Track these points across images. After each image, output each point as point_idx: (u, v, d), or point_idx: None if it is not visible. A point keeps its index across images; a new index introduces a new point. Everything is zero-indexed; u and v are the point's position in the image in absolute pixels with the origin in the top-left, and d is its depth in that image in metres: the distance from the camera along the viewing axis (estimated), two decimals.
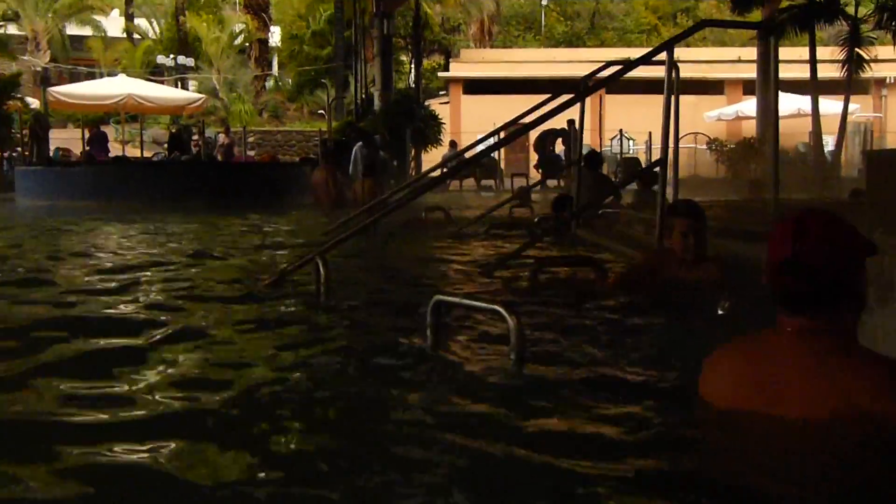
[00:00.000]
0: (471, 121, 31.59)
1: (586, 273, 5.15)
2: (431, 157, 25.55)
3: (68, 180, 13.53)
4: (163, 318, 3.85)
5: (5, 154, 20.09)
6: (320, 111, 35.21)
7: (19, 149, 20.27)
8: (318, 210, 12.17)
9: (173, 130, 26.28)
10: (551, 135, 22.27)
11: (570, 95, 6.55)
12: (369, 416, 2.49)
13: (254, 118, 30.89)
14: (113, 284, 4.95)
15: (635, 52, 30.33)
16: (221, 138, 24.47)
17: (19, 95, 21.30)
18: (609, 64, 7.77)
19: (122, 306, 4.29)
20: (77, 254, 6.74)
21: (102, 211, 11.33)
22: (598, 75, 8.14)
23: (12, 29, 36.23)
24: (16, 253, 6.84)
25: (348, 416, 2.50)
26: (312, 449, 2.23)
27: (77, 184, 13.37)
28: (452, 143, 21.78)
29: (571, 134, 22.64)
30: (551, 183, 19.84)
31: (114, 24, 42.85)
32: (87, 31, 41.19)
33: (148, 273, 5.48)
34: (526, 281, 4.94)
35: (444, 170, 19.98)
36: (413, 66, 27.36)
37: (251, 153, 28.28)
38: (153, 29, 41.92)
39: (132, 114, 27.32)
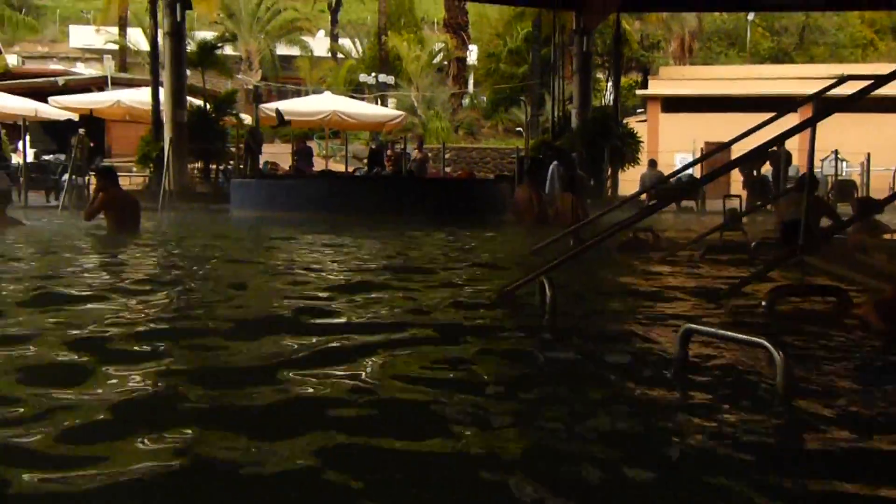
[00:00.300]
0: (669, 139, 30.76)
1: (826, 303, 4.74)
2: (628, 177, 25.02)
3: (279, 192, 14.08)
4: (389, 331, 3.79)
5: (221, 167, 21.25)
6: (516, 129, 35.41)
7: (232, 162, 21.39)
8: (519, 227, 12.03)
9: (373, 146, 27.06)
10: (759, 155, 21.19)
11: (792, 113, 6.08)
12: (619, 444, 2.28)
13: (450, 135, 31.37)
14: (338, 297, 4.96)
15: (849, 69, 28.70)
16: (414, 153, 24.94)
17: (234, 111, 22.51)
18: (846, 78, 7.17)
19: (353, 317, 4.27)
20: (301, 265, 6.89)
21: (312, 223, 11.66)
22: (829, 91, 7.52)
23: (228, 49, 38.68)
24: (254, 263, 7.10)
25: (599, 445, 2.30)
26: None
27: (287, 196, 13.90)
28: (652, 163, 21.16)
29: (782, 155, 21.55)
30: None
31: (320, 45, 44.94)
32: (295, 51, 43.42)
33: (369, 286, 5.48)
34: (760, 309, 4.57)
35: (651, 191, 19.51)
36: (612, 83, 26.89)
37: (447, 169, 28.74)
38: (356, 48, 43.61)
39: (335, 129, 28.35)
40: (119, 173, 12.66)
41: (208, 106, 21.69)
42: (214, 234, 10.98)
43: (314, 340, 3.56)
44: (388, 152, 26.02)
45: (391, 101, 34.97)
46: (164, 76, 20.66)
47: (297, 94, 36.54)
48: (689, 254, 7.83)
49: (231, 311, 4.40)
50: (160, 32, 21.02)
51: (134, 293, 5.04)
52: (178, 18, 20.07)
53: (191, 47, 21.96)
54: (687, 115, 31.69)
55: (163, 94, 21.01)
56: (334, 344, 3.52)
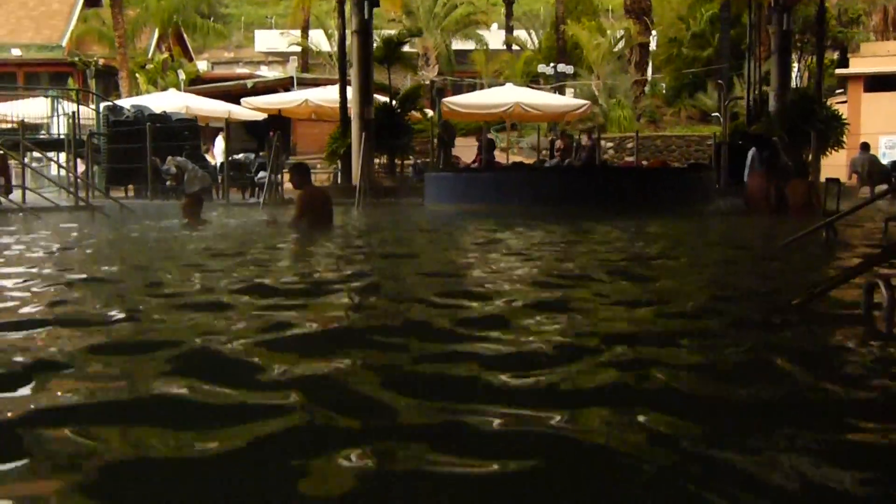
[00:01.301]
0: (872, 120, 28.51)
1: None
2: (831, 161, 23.31)
3: (473, 185, 13.78)
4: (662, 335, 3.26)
5: (410, 162, 21.25)
6: (704, 116, 33.88)
7: (420, 157, 21.36)
8: (752, 216, 11.08)
9: (554, 138, 26.46)
10: None
11: None
12: None
13: (632, 124, 30.29)
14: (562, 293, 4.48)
15: None
16: (584, 141, 24.03)
17: (419, 107, 22.49)
18: None
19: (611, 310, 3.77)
20: (519, 257, 6.45)
21: (509, 215, 11.28)
22: None
23: (406, 46, 39.04)
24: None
25: None
26: None
27: (481, 188, 13.58)
28: (864, 146, 19.55)
29: None
30: None
31: (494, 38, 44.69)
32: (469, 45, 43.34)
33: (615, 281, 4.97)
34: None
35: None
36: (815, 62, 25.13)
37: (629, 158, 27.77)
38: (531, 40, 43.06)
39: (516, 121, 27.95)
40: None
41: (394, 102, 21.78)
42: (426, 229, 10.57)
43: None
44: (559, 143, 25.36)
45: (569, 91, 34.17)
46: (352, 73, 20.85)
47: (473, 87, 36.44)
48: None
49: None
50: (347, 31, 21.26)
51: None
52: (366, 16, 20.15)
53: (376, 44, 22.07)
54: (893, 93, 29.31)
55: (350, 91, 21.24)
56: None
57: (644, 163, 21.56)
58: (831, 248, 6.61)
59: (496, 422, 2.23)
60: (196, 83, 35.41)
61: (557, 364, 2.86)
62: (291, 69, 47.42)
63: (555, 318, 3.76)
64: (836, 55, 34.73)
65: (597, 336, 3.37)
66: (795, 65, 34.12)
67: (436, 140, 20.53)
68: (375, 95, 21.18)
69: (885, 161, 22.27)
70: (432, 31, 38.59)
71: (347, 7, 21.14)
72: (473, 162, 20.73)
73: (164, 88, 34.66)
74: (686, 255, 6.95)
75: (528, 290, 4.89)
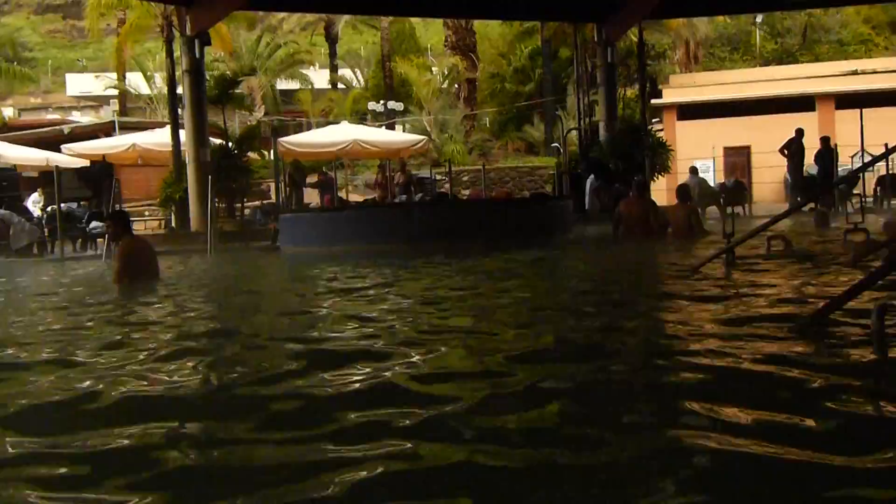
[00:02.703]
0: (687, 147, 30.19)
1: None
2: (658, 186, 24.45)
3: (330, 226, 13.43)
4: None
5: (251, 205, 20.60)
6: (529, 147, 34.88)
7: (266, 199, 20.76)
8: (637, 243, 11.15)
9: (394, 174, 26.44)
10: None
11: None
12: None
13: (465, 157, 30.80)
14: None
15: (855, 65, 28.40)
16: (397, 177, 24.06)
17: (257, 148, 21.95)
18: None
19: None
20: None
21: (386, 255, 11.00)
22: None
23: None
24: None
25: None
26: None
27: (337, 229, 13.25)
28: (693, 170, 20.55)
29: (824, 150, 21.07)
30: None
31: (319, 77, 44.50)
32: (294, 84, 42.97)
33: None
34: None
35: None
36: (630, 94, 26.44)
37: (466, 192, 28.14)
38: (357, 78, 43.18)
39: (354, 159, 27.76)
40: (133, 218, 11.92)
41: (229, 143, 21.10)
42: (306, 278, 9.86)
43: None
44: (399, 177, 25.41)
45: (399, 128, 34.39)
46: (184, 115, 20.06)
47: (301, 127, 36.01)
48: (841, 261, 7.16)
49: None
50: (177, 71, 20.47)
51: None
52: (198, 55, 19.46)
53: (207, 84, 21.31)
54: (703, 121, 31.24)
55: (183, 133, 20.42)
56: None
57: (491, 195, 21.84)
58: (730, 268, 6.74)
59: None
60: (2, 131, 33.15)
61: None
62: (107, 114, 45.38)
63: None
64: (648, 87, 36.76)
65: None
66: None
67: (286, 181, 20.00)
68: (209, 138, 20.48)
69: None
70: (257, 73, 37.93)
71: (176, 47, 20.37)
72: (323, 202, 20.32)
73: None
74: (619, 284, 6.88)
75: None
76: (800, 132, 21.00)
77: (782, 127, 29.23)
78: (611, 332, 4.22)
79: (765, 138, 27.45)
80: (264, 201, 20.20)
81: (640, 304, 5.32)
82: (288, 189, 19.34)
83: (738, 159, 30.12)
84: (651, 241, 10.94)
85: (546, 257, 10.15)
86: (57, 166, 17.42)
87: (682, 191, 11.87)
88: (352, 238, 12.67)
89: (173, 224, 22.39)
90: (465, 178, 29.36)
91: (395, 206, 16.38)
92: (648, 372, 3.24)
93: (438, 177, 26.45)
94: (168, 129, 25.87)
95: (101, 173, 16.37)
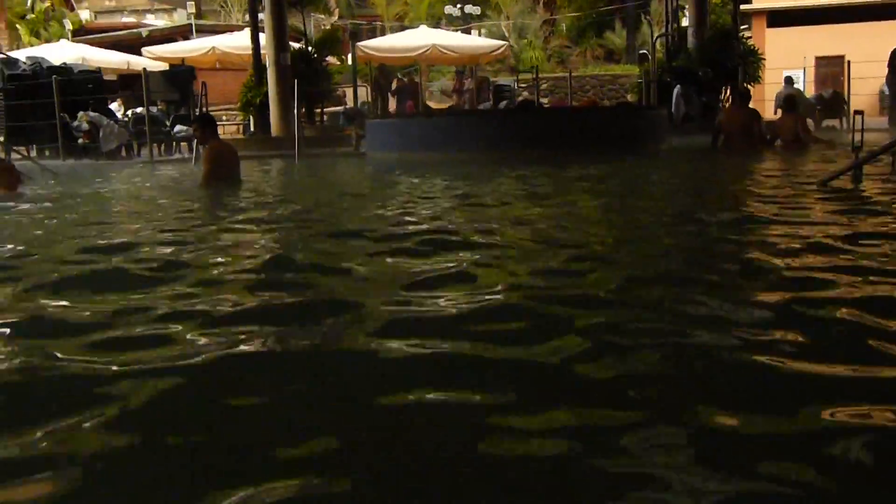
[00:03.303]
0: (777, 57, 28.99)
1: None
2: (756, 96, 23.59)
3: (418, 133, 13.20)
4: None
5: (330, 109, 20.44)
6: (608, 55, 33.88)
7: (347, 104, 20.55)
8: (741, 156, 10.68)
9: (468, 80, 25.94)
10: None
11: None
12: None
13: (544, 64, 30.04)
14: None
15: None
16: (468, 83, 23.58)
17: (337, 52, 21.64)
18: None
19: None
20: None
21: (471, 162, 10.78)
22: None
23: None
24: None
25: None
26: None
27: (425, 136, 13.01)
28: (788, 80, 19.72)
29: None
30: None
31: None
32: None
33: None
34: None
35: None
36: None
37: (544, 100, 27.53)
38: None
39: (432, 64, 27.30)
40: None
41: (310, 47, 20.84)
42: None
43: None
44: (455, 83, 24.95)
45: (474, 32, 33.61)
46: (264, 18, 19.80)
47: (372, 33, 35.48)
48: None
49: None
50: None
51: None
52: None
53: None
54: (795, 28, 29.90)
55: (263, 37, 20.19)
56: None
57: (574, 104, 21.30)
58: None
59: None
60: (79, 34, 33.32)
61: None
62: (181, 17, 45.25)
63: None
64: None
65: None
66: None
67: (370, 85, 19.74)
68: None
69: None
70: None
71: None
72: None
73: (48, 40, 32.56)
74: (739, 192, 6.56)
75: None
76: None
77: (879, 36, 27.89)
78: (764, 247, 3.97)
79: (860, 48, 26.18)
80: (346, 106, 19.95)
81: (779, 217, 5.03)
82: (374, 94, 19.03)
83: (830, 69, 28.85)
84: (755, 153, 10.50)
85: (658, 166, 9.80)
86: (144, 69, 17.40)
87: (789, 101, 11.35)
88: (440, 145, 12.44)
89: (251, 128, 22.43)
90: (544, 86, 28.68)
91: (485, 113, 16.02)
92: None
93: (518, 84, 25.89)
94: (246, 32, 25.67)
95: (187, 76, 16.27)
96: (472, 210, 5.98)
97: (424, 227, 5.00)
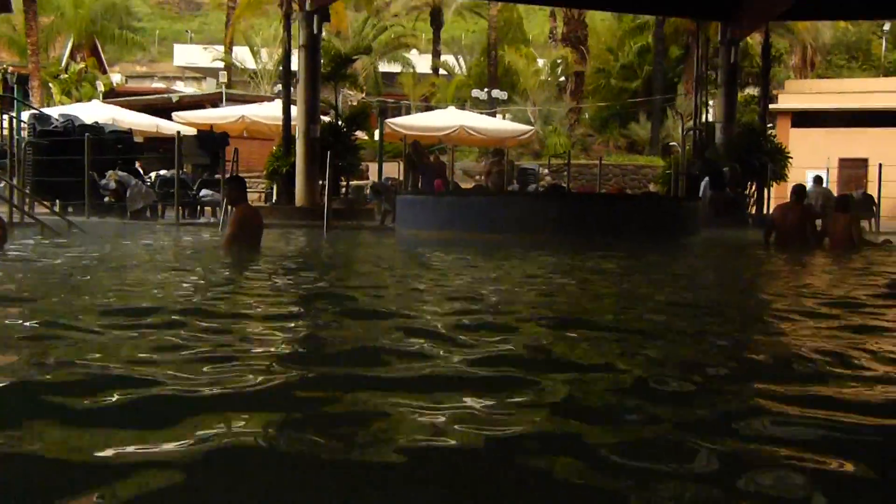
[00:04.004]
0: (801, 156, 29.09)
1: None
2: (774, 194, 23.56)
3: (449, 212, 13.06)
4: None
5: (355, 183, 20.45)
6: (630, 145, 34.07)
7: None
8: (797, 251, 10.45)
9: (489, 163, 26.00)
10: None
11: None
12: None
13: (568, 150, 30.17)
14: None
15: None
16: (489, 165, 23.70)
17: (366, 127, 21.76)
18: None
19: None
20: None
21: (505, 245, 10.59)
22: None
23: None
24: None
25: None
26: None
27: (456, 215, 12.86)
28: (817, 179, 19.65)
29: None
30: None
31: (420, 62, 44.23)
32: (395, 67, 42.77)
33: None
34: None
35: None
36: (761, 95, 25.37)
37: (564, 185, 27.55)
38: (458, 64, 42.77)
39: (459, 146, 27.42)
40: None
41: (339, 121, 20.95)
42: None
43: None
44: (487, 166, 25.07)
45: (498, 116, 33.91)
46: (298, 90, 19.96)
47: (397, 111, 35.87)
48: None
49: None
50: (292, 46, 20.39)
51: None
52: (315, 31, 19.36)
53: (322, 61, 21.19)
54: (818, 129, 30.09)
55: (294, 108, 20.33)
56: None
57: (603, 191, 21.27)
58: None
59: None
60: (110, 96, 33.77)
61: None
62: (210, 85, 46.00)
63: None
64: (756, 91, 35.56)
65: None
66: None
67: (403, 161, 19.74)
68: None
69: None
70: (371, 51, 37.91)
71: (294, 21, 20.26)
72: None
73: (79, 99, 33.00)
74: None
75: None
76: None
77: None
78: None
79: (883, 151, 26.25)
80: (373, 181, 19.92)
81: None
82: (406, 169, 18.98)
83: (854, 171, 28.89)
84: (807, 250, 10.31)
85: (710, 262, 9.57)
86: (179, 131, 17.45)
87: (843, 200, 11.25)
88: (471, 226, 12.27)
89: (273, 198, 22.44)
90: (564, 173, 28.77)
91: (521, 196, 15.92)
92: None
93: (544, 168, 25.94)
94: (276, 102, 25.98)
95: (219, 141, 16.29)
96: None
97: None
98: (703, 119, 22.91)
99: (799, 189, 11.66)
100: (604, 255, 9.20)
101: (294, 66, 20.92)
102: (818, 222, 11.63)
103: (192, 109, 27.33)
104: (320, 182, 20.25)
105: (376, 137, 23.49)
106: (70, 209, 17.14)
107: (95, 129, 18.51)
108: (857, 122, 29.84)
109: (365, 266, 8.70)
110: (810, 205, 12.27)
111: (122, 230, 12.78)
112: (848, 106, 29.90)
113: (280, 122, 21.55)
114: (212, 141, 16.13)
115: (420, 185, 22.12)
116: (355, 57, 22.41)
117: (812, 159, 28.93)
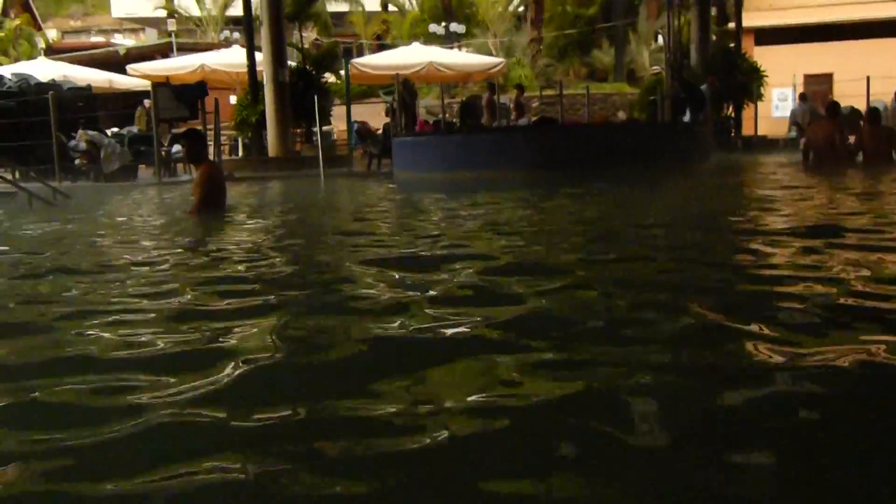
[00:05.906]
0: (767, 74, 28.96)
1: None
2: (749, 114, 23.40)
3: (451, 151, 12.54)
4: None
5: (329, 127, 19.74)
6: (591, 73, 33.53)
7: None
8: (830, 167, 10.13)
9: (463, 99, 25.35)
10: None
11: None
12: None
13: (533, 82, 29.59)
14: None
15: None
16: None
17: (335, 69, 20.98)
18: None
19: None
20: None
21: (520, 182, 10.17)
22: None
23: None
24: None
25: None
26: None
27: (457, 154, 12.36)
28: (803, 97, 19.45)
29: None
30: None
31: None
32: (343, 7, 41.44)
33: None
34: None
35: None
36: (735, 12, 25.02)
37: (532, 118, 27.01)
38: (409, 1, 41.59)
39: (429, 83, 26.69)
40: None
41: (307, 65, 20.13)
42: None
43: None
44: (485, 99, 24.45)
45: (464, 50, 33.05)
46: (262, 34, 19.07)
47: (349, 51, 34.80)
48: None
49: None
50: None
51: None
52: None
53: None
54: (783, 46, 29.82)
55: (259, 54, 19.45)
56: None
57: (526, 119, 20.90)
58: None
59: None
60: (49, 53, 32.19)
61: None
62: (149, 36, 44.25)
63: None
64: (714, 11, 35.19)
65: None
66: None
67: (394, 102, 19.01)
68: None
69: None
70: None
71: None
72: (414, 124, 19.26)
73: (17, 59, 31.41)
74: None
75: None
76: None
77: (868, 54, 27.91)
78: None
79: (848, 65, 26.13)
80: (357, 123, 19.17)
81: None
82: (398, 110, 18.27)
83: (818, 87, 28.78)
84: (841, 166, 10.04)
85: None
86: (153, 83, 16.54)
87: (874, 114, 10.96)
88: (471, 163, 11.80)
89: (239, 151, 21.63)
90: (535, 105, 28.21)
91: (518, 130, 15.41)
92: None
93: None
94: (235, 48, 24.95)
95: (197, 92, 15.42)
96: None
97: None
98: (680, 41, 22.53)
99: (832, 105, 11.34)
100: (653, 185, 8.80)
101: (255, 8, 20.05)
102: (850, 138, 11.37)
103: (141, 61, 26.09)
104: (296, 130, 19.57)
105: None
106: (32, 175, 16.23)
107: (54, 86, 17.49)
108: (820, 37, 29.64)
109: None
110: (842, 119, 11.91)
111: (105, 194, 12.00)
112: (810, 21, 29.66)
113: (241, 70, 20.67)
114: (189, 92, 15.24)
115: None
116: None
117: (778, 77, 28.73)
